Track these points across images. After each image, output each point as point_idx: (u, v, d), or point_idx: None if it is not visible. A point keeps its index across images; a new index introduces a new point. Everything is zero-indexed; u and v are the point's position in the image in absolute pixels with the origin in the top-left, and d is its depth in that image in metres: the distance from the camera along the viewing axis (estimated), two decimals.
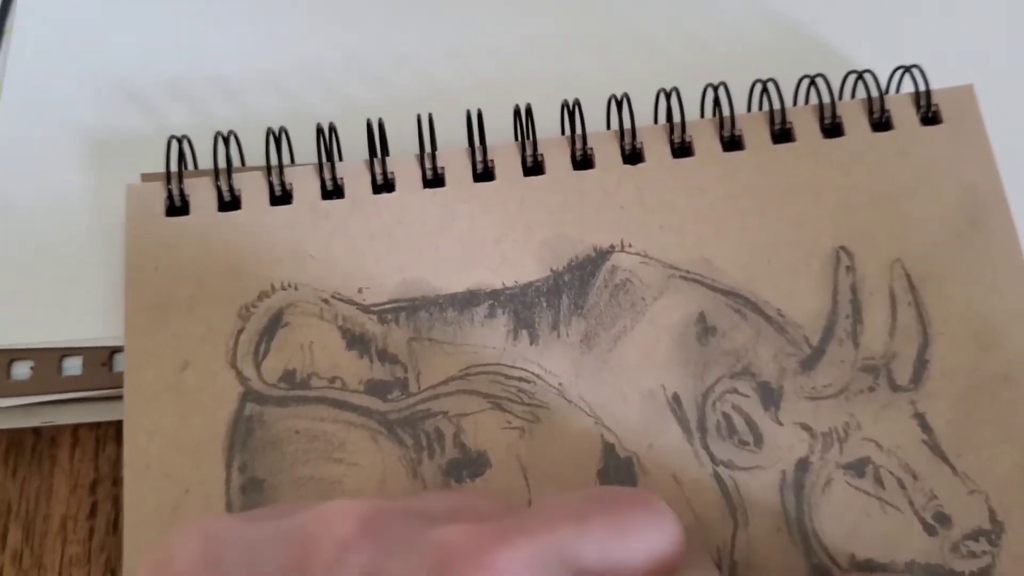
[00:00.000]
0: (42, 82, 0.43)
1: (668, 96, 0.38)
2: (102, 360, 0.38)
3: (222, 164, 0.37)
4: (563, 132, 0.38)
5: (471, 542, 0.23)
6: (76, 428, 0.39)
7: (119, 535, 0.37)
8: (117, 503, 0.38)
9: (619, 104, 0.38)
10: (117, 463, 0.38)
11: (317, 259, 0.36)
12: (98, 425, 0.39)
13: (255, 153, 0.38)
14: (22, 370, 0.38)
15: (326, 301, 0.36)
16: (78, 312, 0.38)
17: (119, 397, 0.35)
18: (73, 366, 0.38)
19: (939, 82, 0.38)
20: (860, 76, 0.39)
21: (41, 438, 0.39)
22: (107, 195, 0.39)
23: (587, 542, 0.24)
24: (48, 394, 0.37)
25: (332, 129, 0.38)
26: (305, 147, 0.38)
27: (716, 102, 0.38)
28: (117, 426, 0.36)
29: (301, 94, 0.42)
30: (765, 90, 0.38)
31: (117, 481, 0.38)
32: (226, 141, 0.38)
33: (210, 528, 0.25)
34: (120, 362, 0.37)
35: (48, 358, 0.37)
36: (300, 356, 0.35)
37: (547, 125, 0.38)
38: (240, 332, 0.35)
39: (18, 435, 0.39)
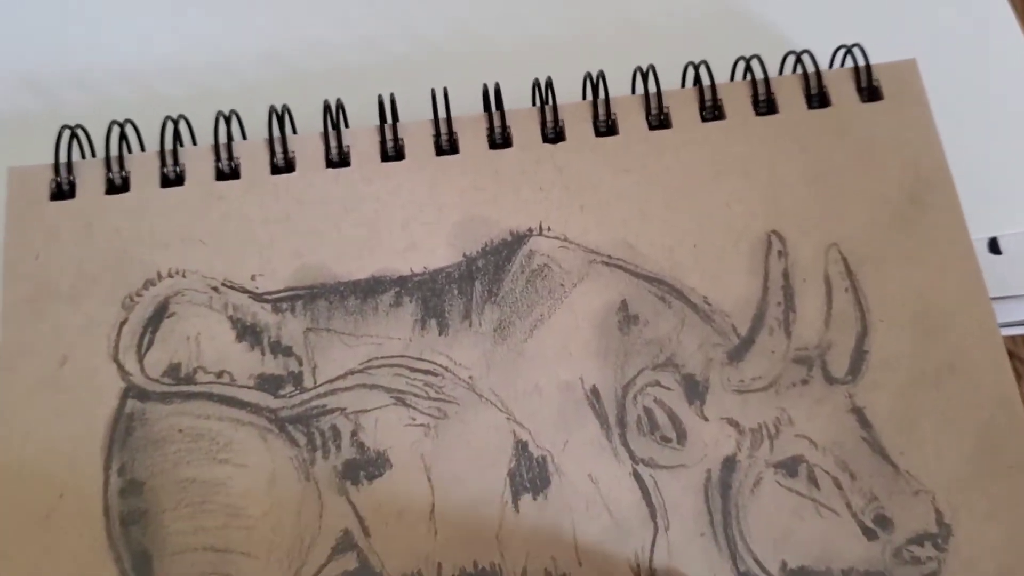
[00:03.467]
0: None
1: (595, 82, 0.36)
2: None
3: (115, 152, 0.35)
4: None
5: None
6: None
7: None
8: None
9: (544, 89, 0.35)
10: None
11: (208, 244, 0.33)
12: None
13: (156, 140, 0.36)
14: None
15: (215, 289, 0.33)
16: None
17: None
18: None
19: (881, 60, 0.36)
20: (799, 57, 0.36)
21: None
22: None
23: None
24: None
25: (233, 113, 0.35)
26: (210, 134, 0.36)
27: (646, 85, 0.36)
28: None
29: (206, 80, 0.40)
30: (697, 74, 0.36)
31: None
32: (122, 127, 0.35)
33: None
34: None
35: None
36: (186, 348, 0.32)
37: (470, 107, 0.36)
38: (123, 323, 0.33)
39: None
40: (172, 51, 0.40)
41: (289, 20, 0.41)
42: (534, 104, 0.36)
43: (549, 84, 0.35)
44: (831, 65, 0.37)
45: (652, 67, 0.36)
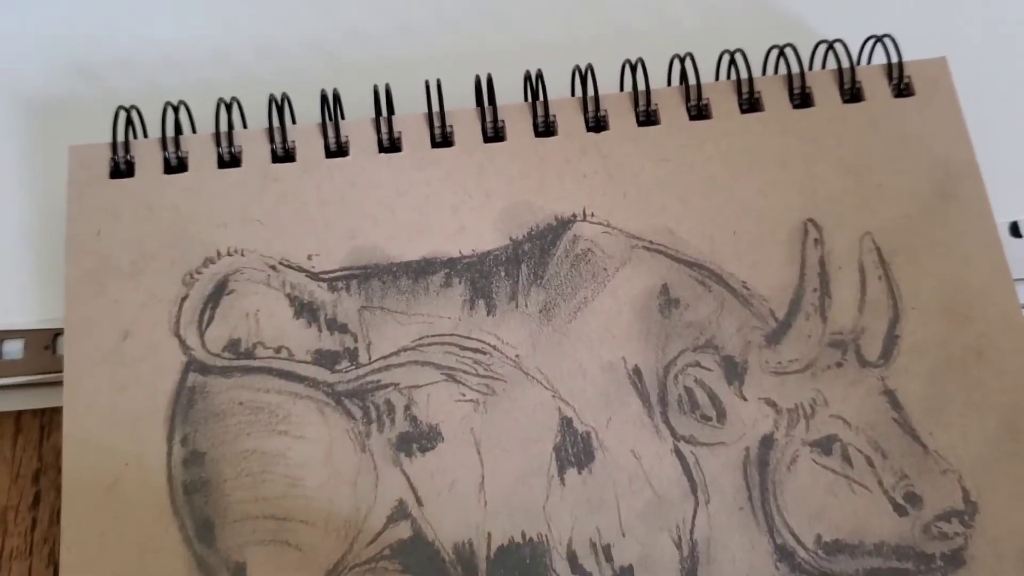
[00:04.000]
0: None
1: (634, 68, 0.37)
2: (44, 343, 0.36)
3: (171, 133, 0.36)
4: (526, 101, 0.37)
5: None
6: (19, 415, 0.37)
7: None
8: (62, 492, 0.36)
9: (583, 76, 0.37)
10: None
11: (265, 224, 0.35)
12: (43, 412, 0.37)
13: (208, 125, 0.37)
14: None
15: (273, 267, 0.34)
16: (19, 293, 0.37)
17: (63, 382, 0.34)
18: (14, 350, 0.36)
19: (911, 54, 0.37)
20: (831, 46, 0.38)
21: None
22: (51, 169, 0.38)
23: None
24: None
25: (285, 97, 0.36)
26: (261, 121, 0.37)
27: (683, 72, 0.37)
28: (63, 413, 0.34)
29: (252, 67, 0.41)
30: (733, 61, 0.37)
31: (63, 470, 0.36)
32: (175, 110, 0.37)
33: None
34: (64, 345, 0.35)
35: None
36: (245, 324, 0.34)
37: (511, 96, 0.37)
38: (184, 299, 0.34)
39: None
40: (219, 38, 0.41)
41: (332, 9, 0.42)
42: (572, 94, 0.37)
43: (590, 70, 0.36)
44: (860, 54, 0.38)
45: (690, 54, 0.37)
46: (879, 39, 0.37)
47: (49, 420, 0.37)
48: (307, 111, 0.37)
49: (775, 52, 0.38)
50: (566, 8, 0.42)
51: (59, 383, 0.34)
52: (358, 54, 0.41)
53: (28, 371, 0.36)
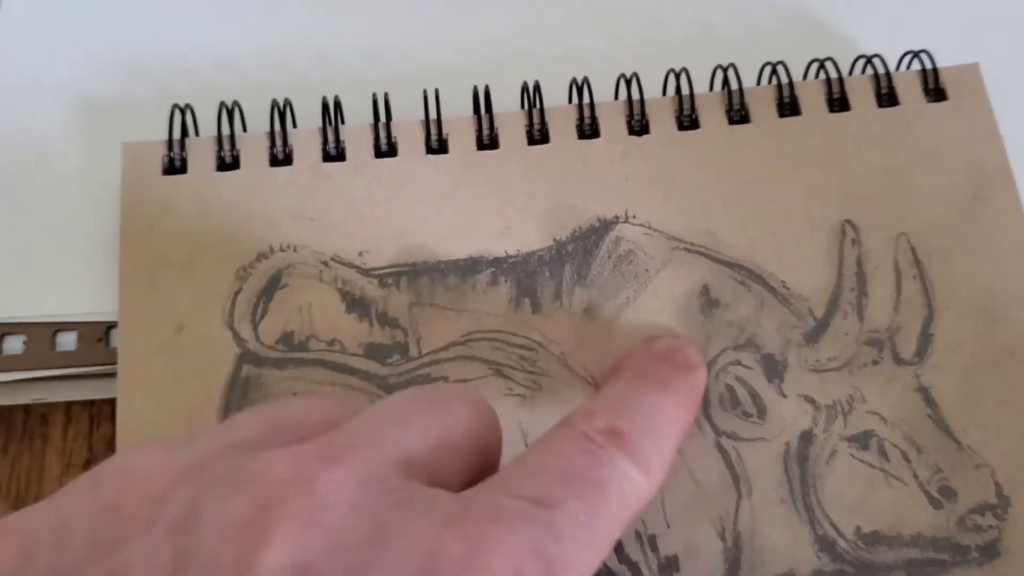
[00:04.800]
0: (38, 52, 0.42)
1: (678, 76, 0.38)
2: (98, 336, 0.37)
3: (225, 132, 0.37)
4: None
5: (294, 467, 0.21)
6: (69, 406, 0.38)
7: None
8: None
9: (628, 83, 0.38)
10: (112, 442, 0.36)
11: (316, 221, 0.36)
12: (92, 403, 0.38)
13: (259, 128, 0.38)
14: (14, 345, 0.36)
15: (325, 263, 0.35)
16: (73, 285, 0.37)
17: (114, 374, 0.34)
18: (67, 341, 0.37)
19: (947, 64, 0.38)
20: (869, 61, 0.39)
21: (32, 415, 0.38)
22: (105, 165, 0.39)
23: (412, 440, 0.24)
24: (41, 370, 0.36)
25: (336, 103, 0.37)
26: (310, 123, 0.38)
27: (725, 81, 0.38)
28: (112, 404, 0.35)
29: (306, 72, 0.41)
30: (775, 73, 0.38)
31: None
32: (230, 112, 0.37)
33: (10, 527, 0.23)
34: (116, 338, 0.36)
35: (41, 333, 0.37)
36: (298, 318, 0.34)
37: (556, 104, 0.38)
38: (237, 293, 0.35)
39: (8, 412, 0.38)
40: (272, 42, 0.42)
41: (386, 18, 0.43)
42: (616, 98, 0.38)
43: (635, 77, 0.37)
44: (898, 67, 0.39)
45: (733, 65, 0.38)
46: (916, 54, 0.38)
47: (98, 411, 0.38)
48: (355, 114, 0.38)
49: (815, 65, 0.38)
50: (609, 21, 0.43)
51: (109, 375, 0.35)
52: (409, 59, 0.42)
53: (81, 362, 0.36)
